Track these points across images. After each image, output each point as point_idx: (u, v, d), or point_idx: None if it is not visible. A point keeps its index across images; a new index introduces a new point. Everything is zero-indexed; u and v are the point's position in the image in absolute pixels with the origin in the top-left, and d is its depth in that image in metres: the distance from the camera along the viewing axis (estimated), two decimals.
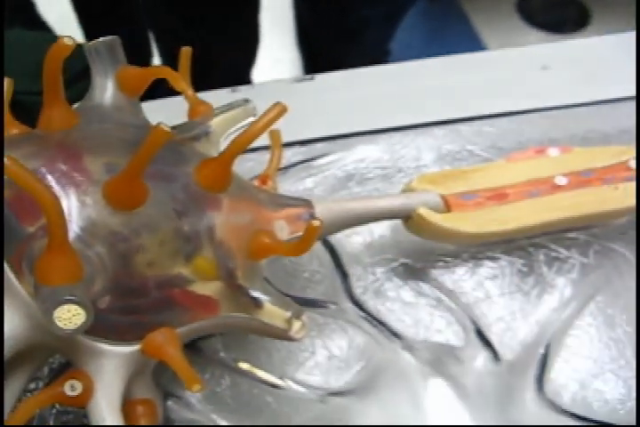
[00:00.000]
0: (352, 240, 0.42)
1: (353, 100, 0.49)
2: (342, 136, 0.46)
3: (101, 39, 0.36)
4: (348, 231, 0.43)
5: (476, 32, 1.50)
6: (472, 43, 1.46)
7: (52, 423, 0.37)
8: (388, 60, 0.97)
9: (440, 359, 0.39)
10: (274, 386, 0.38)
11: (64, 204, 0.31)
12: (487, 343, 0.40)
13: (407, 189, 0.41)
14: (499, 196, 0.41)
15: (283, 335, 0.35)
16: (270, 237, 0.35)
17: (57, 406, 0.38)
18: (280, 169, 0.43)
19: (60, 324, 0.28)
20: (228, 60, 0.89)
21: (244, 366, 0.39)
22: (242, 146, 0.33)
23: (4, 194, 0.31)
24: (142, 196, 0.32)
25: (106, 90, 0.36)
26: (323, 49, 0.86)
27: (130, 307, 0.32)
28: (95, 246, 0.31)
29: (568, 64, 0.52)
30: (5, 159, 0.26)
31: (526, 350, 0.39)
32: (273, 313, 0.34)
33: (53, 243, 0.28)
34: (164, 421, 0.37)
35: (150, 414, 0.36)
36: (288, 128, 0.40)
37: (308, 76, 0.51)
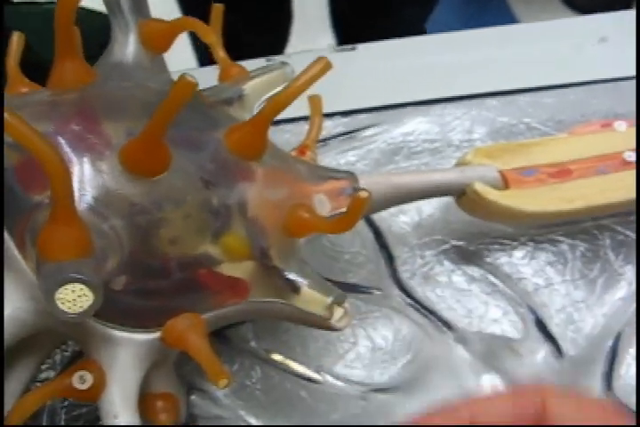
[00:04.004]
0: (398, 220, 0.37)
1: (398, 71, 0.43)
2: (388, 107, 0.40)
3: None
4: (393, 210, 0.37)
5: (514, 15, 1.42)
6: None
7: (63, 417, 0.32)
8: None
9: (495, 353, 0.33)
10: (310, 380, 0.33)
11: (75, 169, 0.26)
12: (548, 336, 0.34)
13: (461, 163, 0.35)
14: (562, 172, 0.35)
15: (322, 324, 0.29)
16: (309, 211, 0.29)
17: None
18: (320, 141, 0.37)
19: (62, 306, 0.22)
20: (259, 45, 0.83)
21: (276, 357, 0.33)
22: (279, 107, 0.27)
23: (10, 160, 0.26)
24: (164, 161, 0.26)
25: (127, 46, 0.30)
26: (357, 28, 0.80)
27: (149, 289, 0.27)
28: (110, 219, 0.26)
29: (626, 36, 0.45)
30: (6, 115, 0.21)
31: (592, 345, 0.33)
32: (311, 298, 0.29)
33: (58, 212, 0.23)
34: (188, 418, 0.32)
35: (171, 410, 0.31)
36: (328, 99, 0.35)
37: (349, 46, 0.45)
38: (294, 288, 0.29)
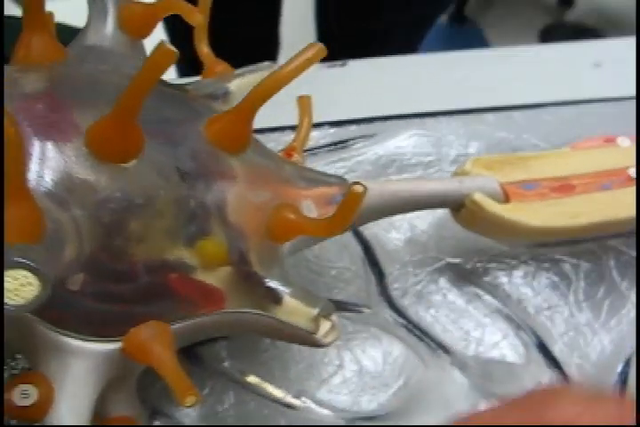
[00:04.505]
0: (390, 235, 0.33)
1: (389, 87, 0.40)
2: (380, 118, 0.38)
3: None
4: (385, 225, 0.34)
5: (489, 44, 1.44)
6: None
7: None
8: None
9: (495, 379, 0.30)
10: (289, 406, 0.29)
11: (35, 150, 0.22)
12: (552, 361, 0.30)
13: (459, 173, 0.32)
14: (564, 187, 0.32)
15: (307, 339, 0.25)
16: (295, 212, 0.26)
17: None
18: (307, 150, 0.34)
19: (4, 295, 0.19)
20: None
21: (253, 379, 0.29)
22: (266, 93, 0.25)
23: None
24: (136, 145, 0.23)
25: (104, 29, 0.27)
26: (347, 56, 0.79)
27: (110, 293, 0.24)
28: (71, 208, 0.22)
29: (620, 62, 0.44)
30: None
31: (600, 371, 0.30)
32: (295, 309, 0.25)
33: (7, 188, 0.20)
34: None
35: None
36: (317, 113, 0.32)
37: (340, 62, 0.43)
38: (276, 298, 0.25)
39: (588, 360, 0.30)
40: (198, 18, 0.26)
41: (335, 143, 0.37)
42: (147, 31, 0.28)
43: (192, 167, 0.25)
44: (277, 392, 0.29)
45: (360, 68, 0.42)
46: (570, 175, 0.33)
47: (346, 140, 0.37)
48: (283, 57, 0.87)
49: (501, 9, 1.61)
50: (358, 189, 0.23)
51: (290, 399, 0.29)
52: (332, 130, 0.37)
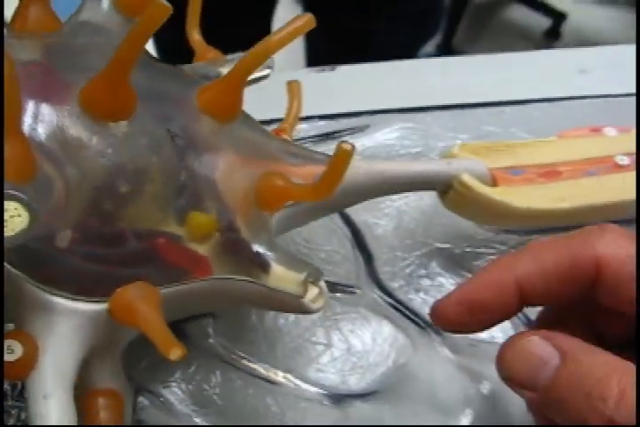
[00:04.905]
0: (379, 222, 0.33)
1: (378, 91, 0.41)
2: (368, 113, 0.38)
3: None
4: (374, 212, 0.34)
5: None
6: None
7: None
8: None
9: (485, 360, 0.29)
10: (276, 384, 0.28)
11: (29, 106, 0.22)
12: None
13: (446, 157, 0.32)
14: (551, 173, 0.33)
15: (294, 304, 0.25)
16: (283, 179, 0.26)
17: None
18: (295, 140, 0.35)
19: None
20: None
21: (239, 357, 0.29)
22: (255, 61, 0.25)
23: None
24: (129, 104, 0.23)
25: (99, 7, 0.28)
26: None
27: (98, 254, 0.23)
28: (61, 164, 0.22)
29: (607, 69, 0.45)
30: None
31: None
32: (282, 275, 0.25)
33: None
34: (134, 423, 0.27)
35: (114, 409, 0.26)
36: (307, 110, 0.33)
37: (329, 67, 0.44)
38: (263, 263, 0.25)
39: None
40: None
41: (323, 135, 0.37)
42: (140, 10, 0.29)
43: (183, 135, 0.25)
44: (264, 370, 0.29)
45: (349, 73, 0.43)
46: (556, 162, 0.33)
47: (334, 132, 0.37)
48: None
49: (489, 41, 1.66)
50: (346, 146, 0.23)
51: (277, 377, 0.29)
52: (322, 122, 0.37)
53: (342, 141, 0.23)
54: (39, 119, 0.22)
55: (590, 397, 0.20)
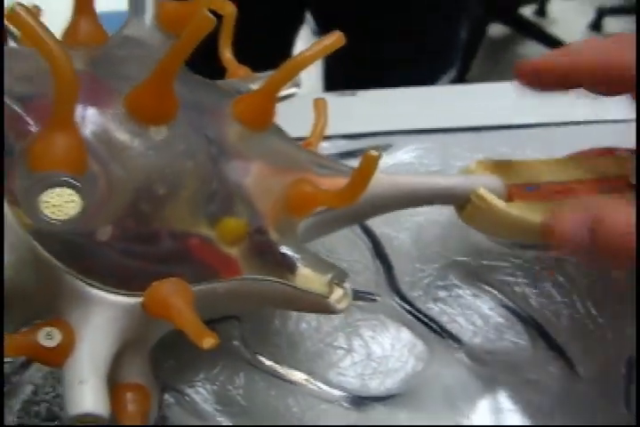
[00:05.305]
0: (399, 235, 0.34)
1: (397, 115, 0.43)
2: (390, 133, 0.40)
3: None
4: (394, 226, 0.35)
5: None
6: None
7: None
8: None
9: (501, 368, 0.30)
10: (297, 386, 0.29)
11: (78, 108, 0.24)
12: (558, 351, 0.31)
13: (464, 173, 0.33)
14: (565, 190, 0.34)
15: (320, 304, 0.26)
16: (312, 185, 0.28)
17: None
18: None
19: (46, 211, 0.20)
20: None
21: (262, 359, 0.30)
22: (288, 74, 0.27)
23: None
24: (171, 109, 0.25)
25: (142, 25, 0.30)
26: None
27: (135, 250, 0.25)
28: (105, 162, 0.24)
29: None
30: (17, 6, 0.20)
31: (606, 363, 0.30)
32: (309, 275, 0.26)
33: (57, 118, 0.21)
34: (159, 419, 0.28)
35: (141, 403, 0.27)
36: (329, 131, 0.34)
37: (349, 92, 0.46)
38: (290, 264, 0.26)
39: (594, 351, 0.31)
40: (230, 8, 0.29)
41: (345, 153, 0.39)
42: (181, 27, 0.31)
43: (217, 142, 0.26)
44: (287, 372, 0.30)
45: (369, 98, 0.45)
46: (570, 180, 0.34)
47: (355, 151, 0.39)
48: None
49: (503, 76, 1.68)
50: (373, 153, 0.25)
51: (299, 379, 0.29)
52: (343, 141, 0.39)
53: (369, 150, 0.24)
54: (86, 121, 0.24)
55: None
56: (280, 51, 0.84)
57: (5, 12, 0.22)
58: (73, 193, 0.20)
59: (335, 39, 0.27)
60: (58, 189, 0.20)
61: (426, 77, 0.81)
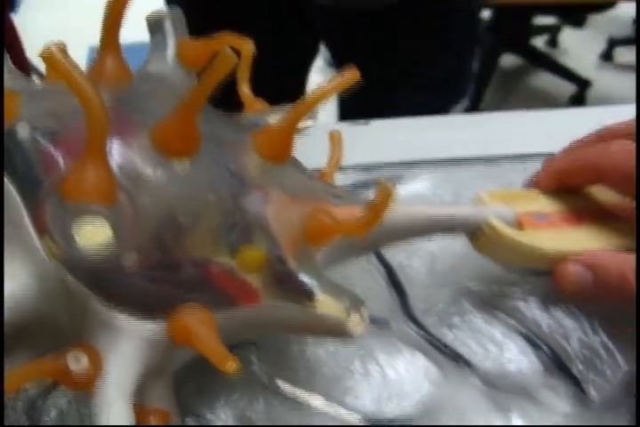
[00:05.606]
0: (412, 263, 0.35)
1: (410, 145, 0.44)
2: (403, 164, 0.41)
3: (165, 11, 0.32)
4: (406, 253, 0.36)
5: None
6: None
7: None
8: None
9: (514, 393, 0.30)
10: (315, 409, 0.30)
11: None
12: (570, 377, 0.31)
13: (476, 203, 0.34)
14: (576, 218, 0.35)
15: (338, 330, 0.27)
16: (330, 216, 0.29)
17: None
18: None
19: (78, 238, 0.21)
20: None
21: (280, 383, 0.30)
22: (306, 108, 0.28)
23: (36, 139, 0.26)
24: (195, 142, 0.26)
25: (164, 61, 0.31)
26: None
27: (158, 278, 0.26)
28: (131, 192, 0.25)
29: None
30: (52, 46, 0.21)
31: (618, 390, 0.31)
32: (327, 301, 0.27)
33: (90, 153, 0.22)
34: None
35: None
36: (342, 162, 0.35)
37: (363, 121, 0.47)
38: (309, 291, 0.27)
39: (605, 375, 0.31)
40: (250, 47, 0.30)
41: (358, 185, 0.40)
42: (201, 64, 0.32)
43: (238, 174, 0.27)
44: (304, 396, 0.30)
45: (383, 127, 0.46)
46: (579, 208, 0.35)
47: (368, 183, 0.40)
48: None
49: (515, 106, 1.70)
50: (388, 184, 0.26)
51: (316, 403, 0.30)
52: (356, 173, 0.40)
53: (383, 180, 0.25)
54: (112, 153, 0.25)
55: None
56: (295, 81, 0.86)
57: (38, 50, 0.23)
58: (104, 222, 0.21)
59: (350, 74, 0.28)
60: (90, 219, 0.21)
61: (439, 107, 0.82)
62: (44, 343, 0.28)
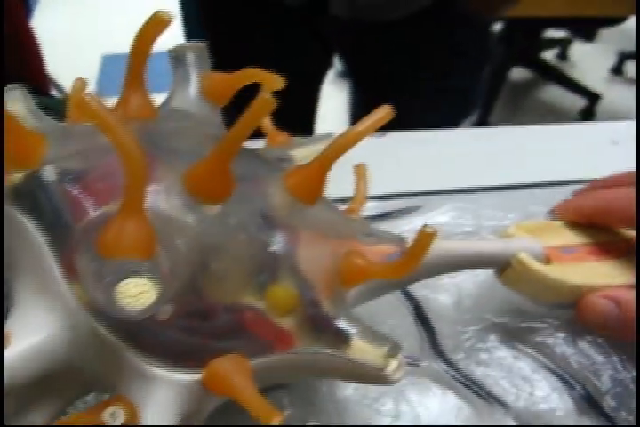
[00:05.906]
0: (439, 297, 0.35)
1: (427, 159, 0.43)
2: (422, 193, 0.40)
3: (188, 43, 0.31)
4: (433, 288, 0.36)
5: None
6: None
7: None
8: None
9: None
10: None
11: None
12: (602, 415, 0.31)
13: (503, 236, 0.34)
14: (601, 252, 0.35)
15: (376, 376, 0.26)
16: (363, 258, 0.28)
17: None
18: None
19: (123, 302, 0.20)
20: None
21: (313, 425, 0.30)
22: (340, 149, 0.27)
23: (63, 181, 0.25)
24: (228, 187, 0.25)
25: (187, 95, 0.31)
26: None
27: (193, 326, 0.25)
28: (165, 241, 0.24)
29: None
30: (87, 97, 0.21)
31: None
32: (364, 348, 0.26)
33: (128, 207, 0.21)
34: None
35: None
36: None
37: (379, 133, 0.46)
38: (345, 337, 0.26)
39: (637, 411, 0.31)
40: (279, 83, 0.29)
41: (379, 215, 0.39)
42: (225, 98, 0.31)
43: (269, 215, 0.27)
44: None
45: (399, 139, 0.45)
46: (604, 242, 0.35)
47: (389, 213, 0.39)
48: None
49: (525, 119, 1.69)
50: (429, 229, 0.25)
51: None
52: (375, 203, 0.40)
53: (425, 226, 0.25)
54: (147, 200, 0.24)
55: None
56: (307, 94, 0.86)
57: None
58: (147, 283, 0.20)
59: (385, 113, 0.27)
60: (133, 280, 0.20)
61: (449, 120, 0.82)
62: (73, 392, 0.27)
